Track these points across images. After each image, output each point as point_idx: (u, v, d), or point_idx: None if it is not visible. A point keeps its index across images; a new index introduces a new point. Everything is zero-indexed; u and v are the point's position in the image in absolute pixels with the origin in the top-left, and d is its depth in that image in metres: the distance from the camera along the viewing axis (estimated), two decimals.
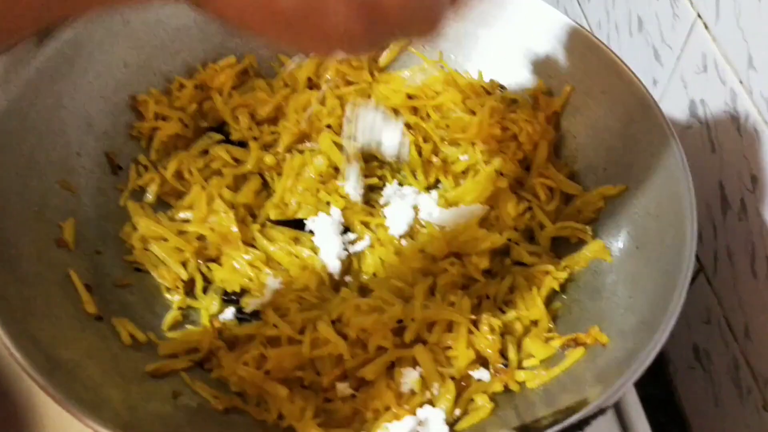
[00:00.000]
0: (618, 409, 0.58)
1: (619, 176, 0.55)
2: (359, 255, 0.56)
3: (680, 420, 0.68)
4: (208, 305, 0.52)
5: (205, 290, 0.53)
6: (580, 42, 0.58)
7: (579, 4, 0.83)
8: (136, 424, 0.41)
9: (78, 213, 0.52)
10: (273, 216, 0.57)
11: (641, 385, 0.60)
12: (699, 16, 0.59)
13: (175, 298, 0.52)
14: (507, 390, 0.47)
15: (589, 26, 0.79)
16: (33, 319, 0.43)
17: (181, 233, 0.54)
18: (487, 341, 0.48)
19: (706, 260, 0.62)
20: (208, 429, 0.44)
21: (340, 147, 0.58)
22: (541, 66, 0.61)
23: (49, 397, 0.39)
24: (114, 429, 0.38)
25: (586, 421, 0.39)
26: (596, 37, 0.58)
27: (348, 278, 0.55)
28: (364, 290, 0.54)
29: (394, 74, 0.63)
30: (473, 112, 0.60)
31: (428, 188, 0.59)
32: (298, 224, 0.57)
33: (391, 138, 0.57)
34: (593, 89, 0.58)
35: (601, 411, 0.39)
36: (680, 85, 0.63)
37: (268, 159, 0.58)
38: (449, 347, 0.48)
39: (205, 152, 0.59)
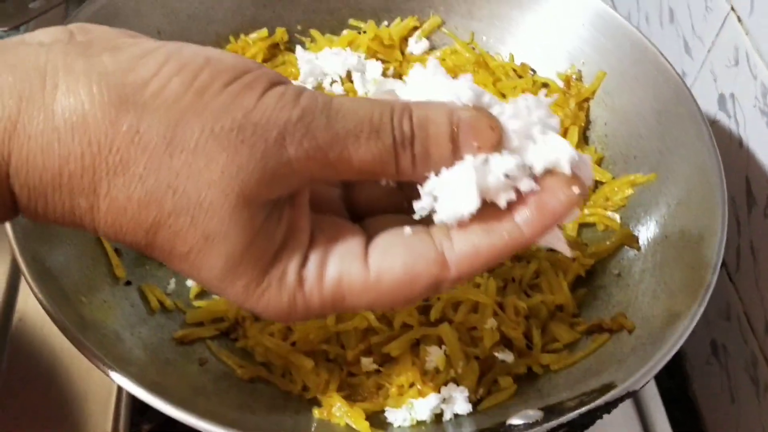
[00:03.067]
0: (637, 401, 0.58)
1: (649, 164, 0.55)
2: None
3: (695, 415, 0.68)
4: None
5: None
6: (614, 28, 0.58)
7: None
8: (162, 383, 0.41)
9: None
10: None
11: (657, 379, 0.61)
12: (732, 8, 0.58)
13: None
14: (530, 372, 0.47)
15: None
16: (67, 280, 0.44)
17: None
18: (512, 323, 0.48)
19: (729, 256, 0.62)
20: (233, 395, 0.45)
21: None
22: (574, 50, 0.60)
23: (83, 354, 0.39)
24: (141, 385, 0.39)
25: (613, 404, 0.39)
26: (632, 24, 0.58)
27: None
28: None
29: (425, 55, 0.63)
30: (503, 95, 0.60)
31: None
32: None
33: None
34: (626, 76, 0.57)
35: (629, 394, 0.39)
36: (710, 78, 0.63)
37: None
38: (474, 328, 0.48)
39: None
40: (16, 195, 0.27)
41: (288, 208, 0.30)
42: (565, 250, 0.33)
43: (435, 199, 0.30)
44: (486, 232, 0.30)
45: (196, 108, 0.27)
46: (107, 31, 0.31)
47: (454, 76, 0.60)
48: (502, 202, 0.30)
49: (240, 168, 0.27)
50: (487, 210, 0.30)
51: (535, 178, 0.30)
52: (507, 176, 0.29)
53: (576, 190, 0.29)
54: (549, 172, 0.30)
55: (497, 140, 0.29)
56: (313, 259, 0.30)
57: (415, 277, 0.29)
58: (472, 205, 0.29)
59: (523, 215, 0.30)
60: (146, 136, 0.27)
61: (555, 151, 0.30)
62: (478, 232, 0.30)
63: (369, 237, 0.31)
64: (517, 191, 0.30)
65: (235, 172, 0.27)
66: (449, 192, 0.29)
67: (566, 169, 0.29)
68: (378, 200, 0.34)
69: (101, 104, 0.27)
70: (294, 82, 0.28)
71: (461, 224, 0.30)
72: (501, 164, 0.29)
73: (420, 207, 0.30)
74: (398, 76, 0.62)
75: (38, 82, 0.27)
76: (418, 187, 0.30)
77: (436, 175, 0.30)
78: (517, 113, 0.30)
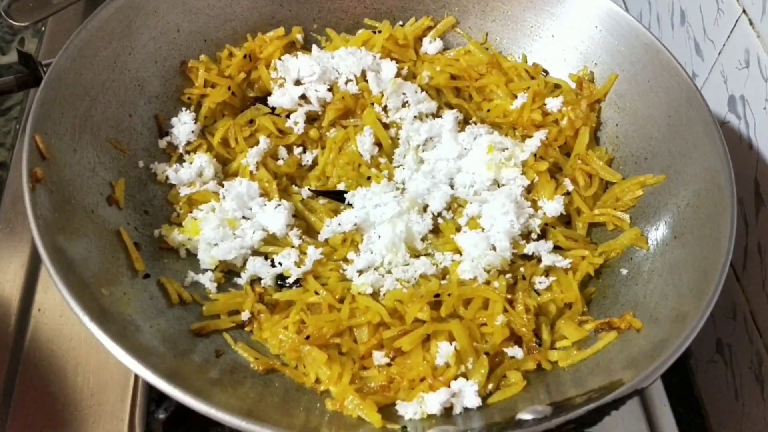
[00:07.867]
0: (643, 398, 0.58)
1: (659, 166, 0.55)
2: None
3: (699, 410, 0.69)
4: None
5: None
6: (627, 30, 0.59)
7: None
8: (179, 374, 0.42)
9: (128, 173, 0.53)
10: (314, 186, 0.58)
11: (662, 376, 0.61)
12: (744, 11, 0.58)
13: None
14: (539, 368, 0.48)
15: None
16: (88, 272, 0.45)
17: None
18: (521, 320, 0.49)
19: (736, 256, 0.62)
20: (248, 386, 0.46)
21: (383, 124, 0.59)
22: (587, 52, 0.61)
23: (102, 344, 0.40)
24: (159, 375, 0.40)
25: (621, 401, 0.40)
26: (645, 27, 0.58)
27: None
28: None
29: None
30: (515, 96, 0.61)
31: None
32: (338, 197, 0.58)
33: None
34: (637, 78, 0.58)
35: (636, 392, 0.40)
36: (720, 80, 0.63)
37: (312, 132, 0.59)
38: (484, 324, 0.49)
39: (252, 122, 0.59)
40: None
41: None
42: None
43: None
44: None
45: None
46: None
47: (467, 77, 0.62)
48: None
49: None
50: None
51: None
52: None
53: None
54: None
55: None
56: None
57: None
58: None
59: None
60: None
61: None
62: None
63: None
64: None
65: None
66: None
67: None
68: None
69: None
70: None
71: None
72: None
73: None
74: (412, 76, 0.62)
75: None
76: None
77: None
78: None
